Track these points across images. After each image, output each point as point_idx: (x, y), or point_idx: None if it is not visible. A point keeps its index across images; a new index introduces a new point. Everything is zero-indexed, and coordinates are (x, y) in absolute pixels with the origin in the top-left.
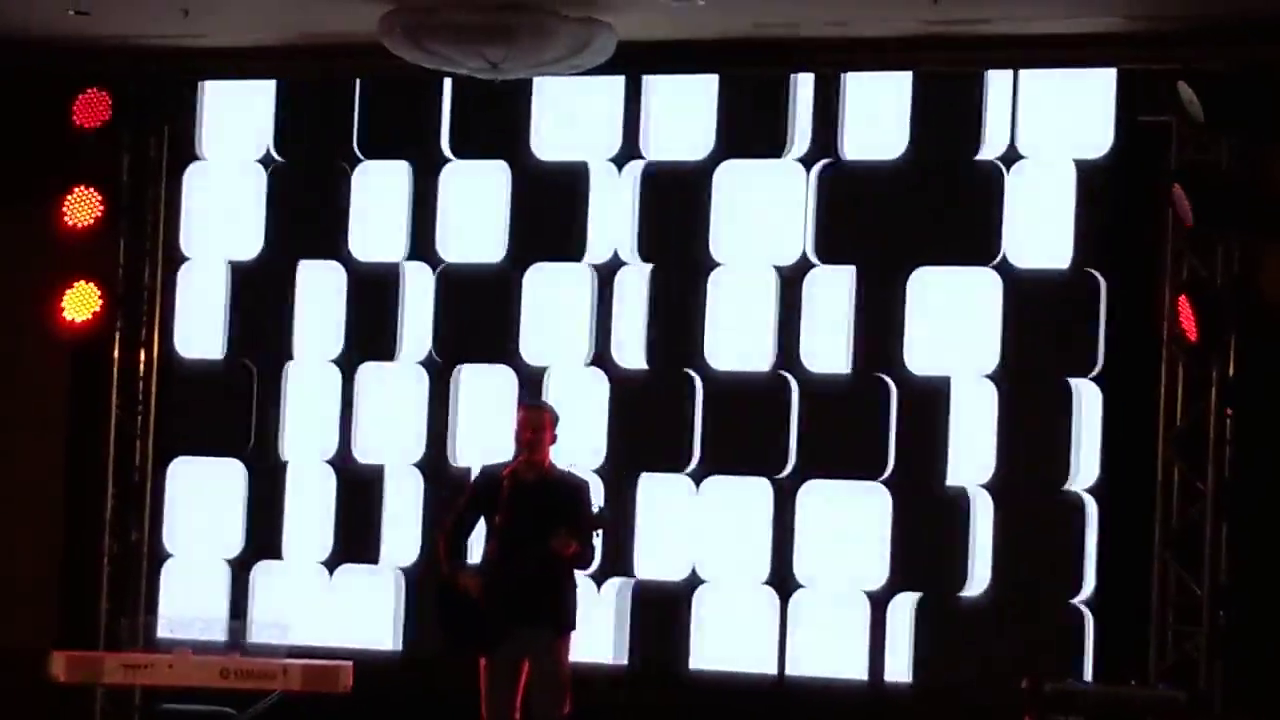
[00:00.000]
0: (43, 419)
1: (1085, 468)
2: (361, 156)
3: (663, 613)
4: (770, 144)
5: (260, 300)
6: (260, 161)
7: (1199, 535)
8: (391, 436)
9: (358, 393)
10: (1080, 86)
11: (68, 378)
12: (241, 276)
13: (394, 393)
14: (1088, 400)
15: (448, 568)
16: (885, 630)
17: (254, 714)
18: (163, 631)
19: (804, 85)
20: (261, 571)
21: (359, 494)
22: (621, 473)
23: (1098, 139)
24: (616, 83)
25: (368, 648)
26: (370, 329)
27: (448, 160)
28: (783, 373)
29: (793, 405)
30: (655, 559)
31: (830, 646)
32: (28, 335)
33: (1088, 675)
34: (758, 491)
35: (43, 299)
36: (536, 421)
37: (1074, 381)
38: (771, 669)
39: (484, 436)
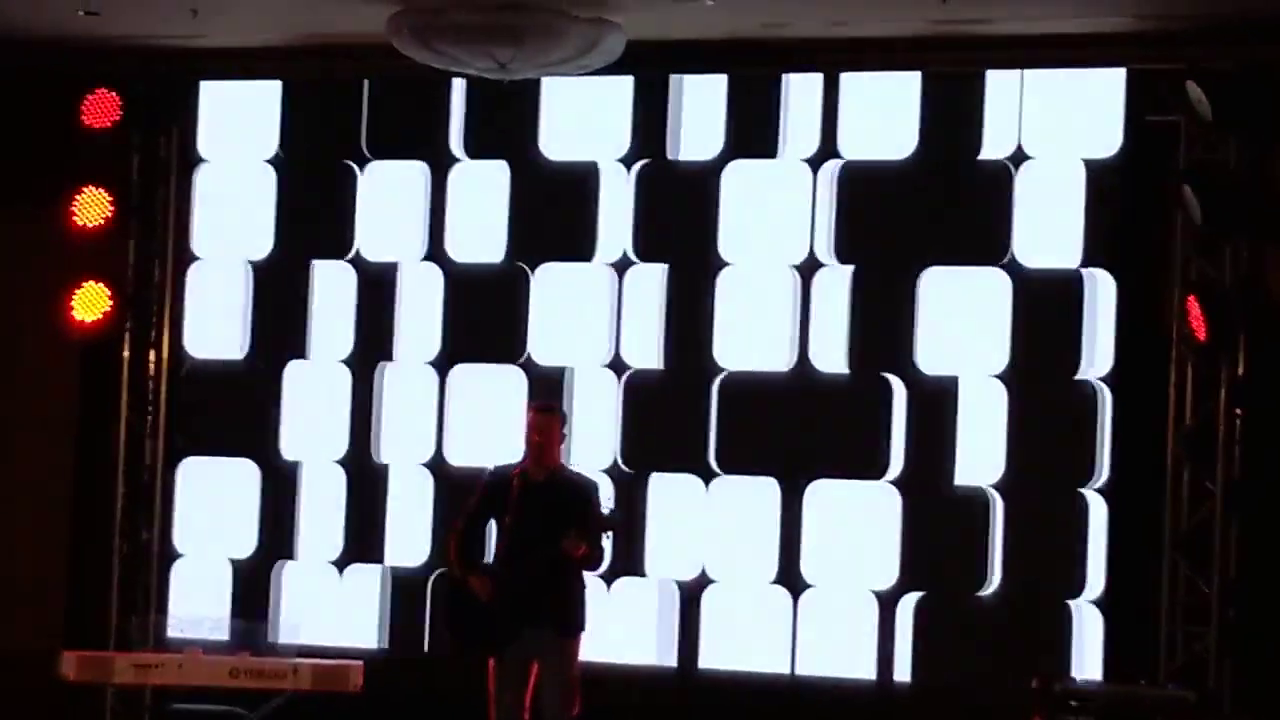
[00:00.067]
0: (52, 419)
1: (1094, 467)
2: (370, 156)
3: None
4: (780, 144)
5: (271, 300)
6: (269, 161)
7: (1208, 535)
8: (401, 436)
9: (368, 393)
10: (1088, 86)
11: (77, 378)
12: (253, 276)
13: (402, 393)
14: (1097, 400)
15: (458, 569)
16: (894, 630)
17: (264, 713)
18: (172, 631)
19: (812, 85)
20: (275, 571)
21: (369, 493)
22: (634, 472)
23: (1106, 139)
24: (625, 83)
25: (377, 647)
26: (380, 329)
27: (457, 160)
28: (793, 372)
29: (802, 405)
30: (665, 558)
31: (840, 646)
32: (38, 335)
33: (1097, 675)
34: (767, 491)
35: (52, 299)
36: (546, 424)
37: (1083, 381)
38: (780, 668)
39: (494, 438)
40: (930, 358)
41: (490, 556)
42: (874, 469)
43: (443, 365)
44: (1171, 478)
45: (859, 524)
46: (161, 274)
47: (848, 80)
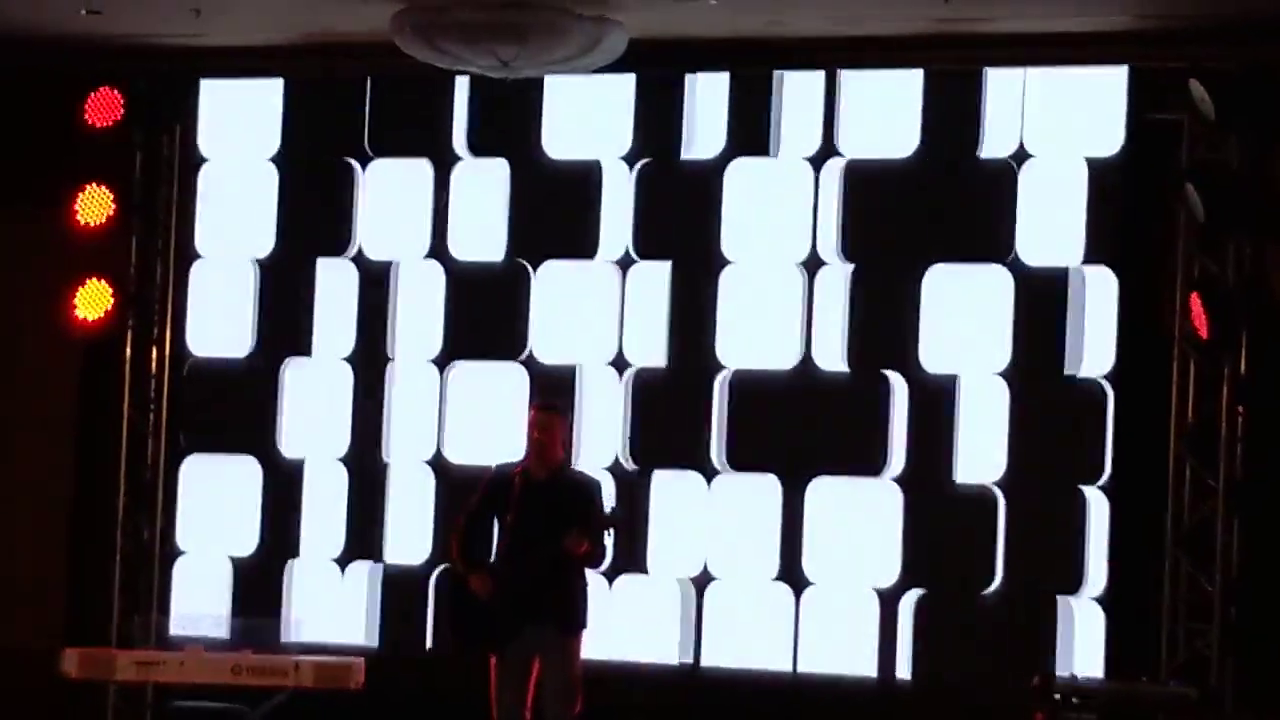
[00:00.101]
0: (53, 419)
1: (1096, 465)
2: (372, 154)
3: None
4: (782, 142)
5: (273, 298)
6: (271, 159)
7: (1210, 532)
8: (403, 434)
9: (370, 391)
10: (1091, 85)
11: (77, 377)
12: (255, 274)
13: (404, 391)
14: (1099, 398)
15: (460, 566)
16: (896, 627)
17: (266, 711)
18: (174, 629)
19: (814, 83)
20: (279, 569)
21: (370, 491)
22: (637, 470)
23: (1109, 137)
24: (628, 81)
25: (378, 645)
26: (384, 326)
27: (459, 158)
28: (795, 370)
29: (804, 403)
30: (668, 556)
31: (841, 644)
32: (39, 334)
33: (1099, 672)
34: (769, 489)
35: (55, 297)
36: (547, 422)
37: (1085, 379)
38: (782, 665)
39: (495, 435)
40: (932, 355)
41: (493, 555)
42: (876, 467)
43: (444, 363)
44: (1173, 475)
45: (861, 521)
46: (164, 272)
47: (849, 78)
